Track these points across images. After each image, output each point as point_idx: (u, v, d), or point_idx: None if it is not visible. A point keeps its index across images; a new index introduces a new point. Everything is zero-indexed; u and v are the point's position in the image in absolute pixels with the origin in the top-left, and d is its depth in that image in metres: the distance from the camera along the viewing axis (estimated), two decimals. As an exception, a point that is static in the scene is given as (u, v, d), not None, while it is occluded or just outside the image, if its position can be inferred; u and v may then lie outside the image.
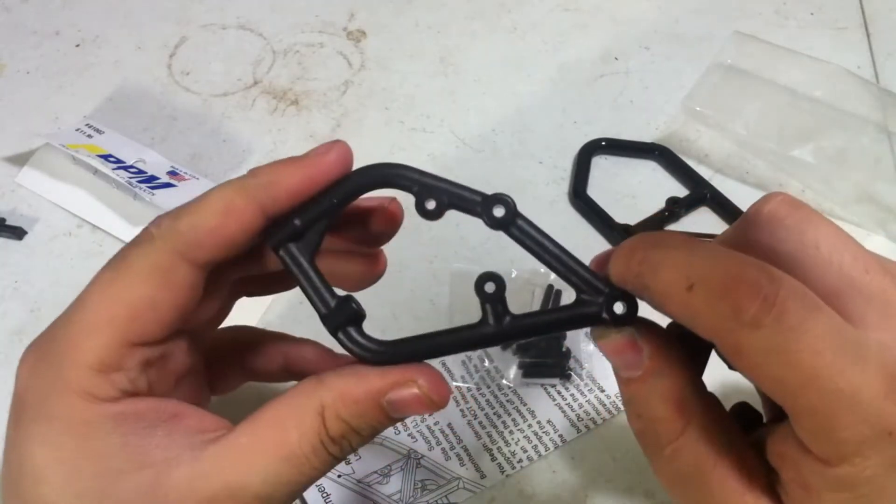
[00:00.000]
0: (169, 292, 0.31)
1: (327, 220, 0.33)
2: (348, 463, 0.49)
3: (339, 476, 0.48)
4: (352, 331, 0.32)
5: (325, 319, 0.32)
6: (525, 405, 0.51)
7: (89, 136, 0.64)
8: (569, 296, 0.56)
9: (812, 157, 0.60)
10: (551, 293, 0.55)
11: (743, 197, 0.62)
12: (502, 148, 0.66)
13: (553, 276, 0.57)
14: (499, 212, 0.31)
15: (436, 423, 0.50)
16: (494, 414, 0.51)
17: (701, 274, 0.27)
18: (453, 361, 0.53)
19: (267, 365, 0.42)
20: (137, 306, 0.31)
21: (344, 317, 0.32)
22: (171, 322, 0.32)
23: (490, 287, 0.32)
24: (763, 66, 0.65)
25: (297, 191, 0.32)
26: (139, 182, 0.60)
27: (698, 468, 0.29)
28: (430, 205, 0.32)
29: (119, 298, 0.31)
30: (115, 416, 0.30)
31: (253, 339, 0.42)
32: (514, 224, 0.32)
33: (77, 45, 0.74)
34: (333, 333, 0.32)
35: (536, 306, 0.55)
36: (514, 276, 0.56)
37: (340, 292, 0.33)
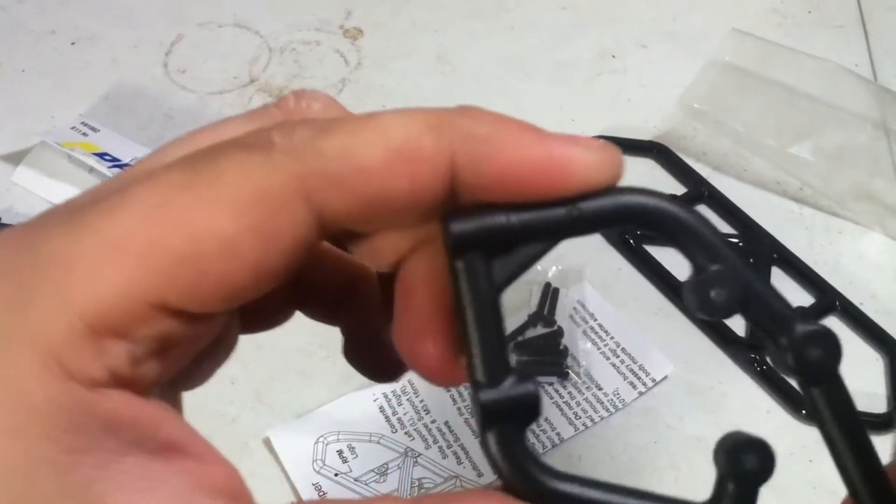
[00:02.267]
0: (266, 241, 0.18)
1: (548, 245, 0.21)
2: (345, 461, 0.49)
3: (336, 475, 0.48)
4: (514, 437, 0.20)
5: (481, 398, 0.20)
6: (523, 403, 0.51)
7: (85, 134, 0.63)
8: (567, 293, 0.56)
9: (810, 155, 0.60)
10: (549, 291, 0.55)
11: (741, 194, 0.62)
12: (500, 146, 0.66)
13: (551, 273, 0.56)
14: (814, 353, 0.21)
15: (433, 422, 0.50)
16: (492, 412, 0.51)
17: None
18: (451, 360, 0.53)
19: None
20: (206, 245, 0.18)
21: (513, 406, 0.20)
22: (245, 289, 0.18)
23: (751, 462, 0.21)
24: (761, 64, 0.65)
25: (526, 173, 0.19)
26: (135, 180, 0.60)
27: None
28: (717, 295, 0.21)
29: (180, 220, 0.18)
30: (96, 419, 0.17)
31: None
32: (829, 380, 0.21)
33: (73, 44, 0.74)
34: (484, 427, 0.20)
35: (534, 305, 0.55)
36: (511, 274, 0.56)
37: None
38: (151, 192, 0.18)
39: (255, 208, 0.18)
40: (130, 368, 0.18)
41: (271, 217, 0.18)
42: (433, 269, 0.21)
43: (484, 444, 0.20)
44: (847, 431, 0.21)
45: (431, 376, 0.22)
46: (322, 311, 0.26)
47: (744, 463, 0.21)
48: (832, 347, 0.21)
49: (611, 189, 0.21)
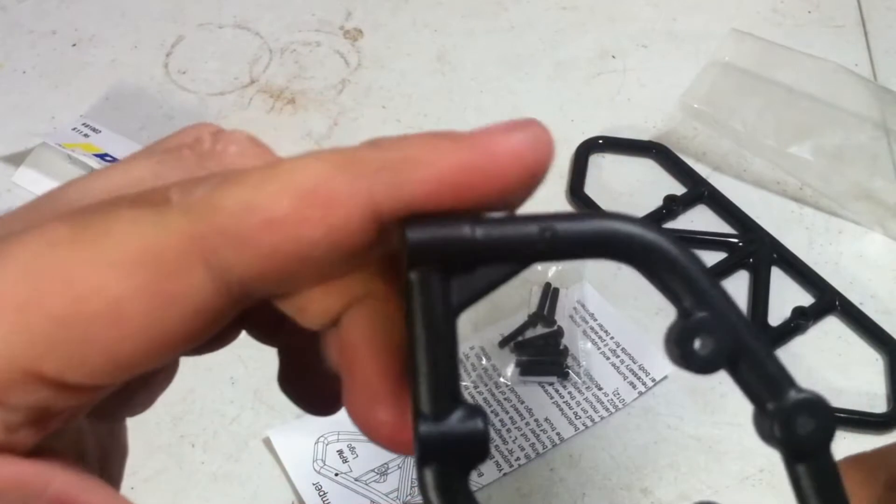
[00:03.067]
0: (160, 307, 0.16)
1: (515, 269, 0.19)
2: (345, 461, 0.49)
3: (336, 474, 0.48)
4: (453, 477, 0.18)
5: (420, 431, 0.18)
6: (522, 403, 0.51)
7: (86, 135, 0.63)
8: (567, 293, 0.56)
9: (810, 155, 0.60)
10: (549, 291, 0.55)
11: (741, 194, 0.62)
12: (500, 146, 0.66)
13: (551, 273, 0.56)
14: (805, 426, 0.18)
15: (433, 422, 0.50)
16: (492, 412, 0.51)
17: None
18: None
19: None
20: (90, 307, 0.16)
21: (456, 443, 0.18)
22: (136, 359, 0.17)
23: (705, 347, 0.19)
24: (761, 64, 0.65)
25: (450, 184, 0.17)
26: (136, 181, 0.60)
27: None
28: (702, 347, 0.18)
29: (62, 279, 0.16)
30: None
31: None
32: (818, 456, 0.19)
33: (73, 45, 0.74)
34: (421, 464, 0.18)
35: (534, 305, 0.55)
36: (511, 274, 0.56)
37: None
38: (32, 246, 0.16)
39: (147, 270, 0.16)
40: (4, 435, 0.16)
41: (165, 280, 0.16)
42: (375, 326, 0.19)
43: (419, 482, 0.18)
44: None
45: (387, 444, 0.19)
46: (262, 332, 0.24)
47: None
48: (826, 420, 0.18)
49: (591, 213, 0.19)
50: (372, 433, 0.19)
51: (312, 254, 0.17)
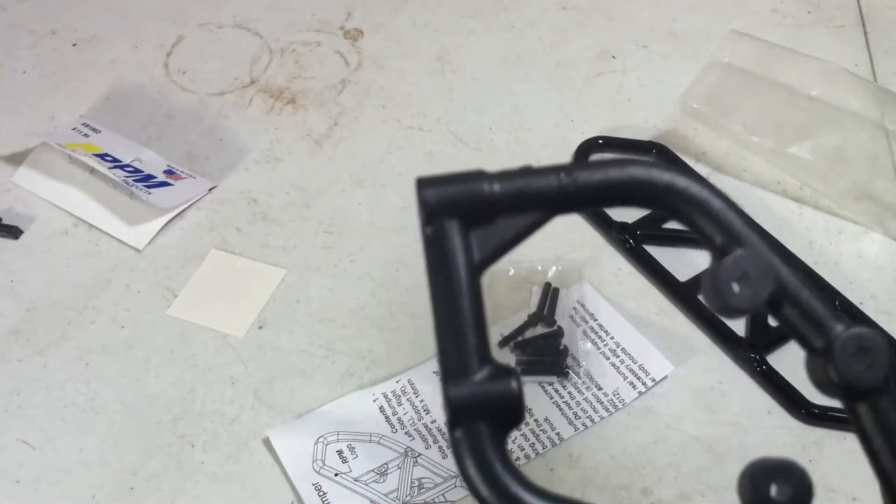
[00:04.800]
0: None
1: (537, 220, 0.18)
2: (345, 461, 0.49)
3: (336, 475, 0.48)
4: (487, 439, 0.17)
5: (449, 391, 0.17)
6: (522, 403, 0.51)
7: (86, 135, 0.64)
8: (567, 293, 0.56)
9: (810, 155, 0.60)
10: (549, 291, 0.55)
11: (740, 194, 0.62)
12: (500, 146, 0.66)
13: (551, 274, 0.57)
14: (860, 363, 0.17)
15: (433, 422, 0.50)
16: (492, 412, 0.51)
17: None
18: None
19: None
20: None
21: (486, 402, 0.17)
22: None
23: (782, 493, 0.17)
24: (760, 65, 0.65)
25: None
26: (136, 181, 0.60)
27: None
28: (741, 287, 0.16)
29: None
30: None
31: None
32: (881, 395, 0.17)
33: (73, 45, 0.74)
34: (453, 424, 0.17)
35: (534, 305, 0.55)
36: (511, 273, 0.56)
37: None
38: None
39: None
40: None
41: None
42: None
43: (452, 447, 0.17)
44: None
45: None
46: None
47: (773, 494, 0.17)
48: (881, 354, 0.17)
49: (612, 160, 0.18)
50: None
51: None
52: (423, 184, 0.17)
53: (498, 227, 0.17)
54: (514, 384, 0.17)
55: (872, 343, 0.17)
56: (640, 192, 0.18)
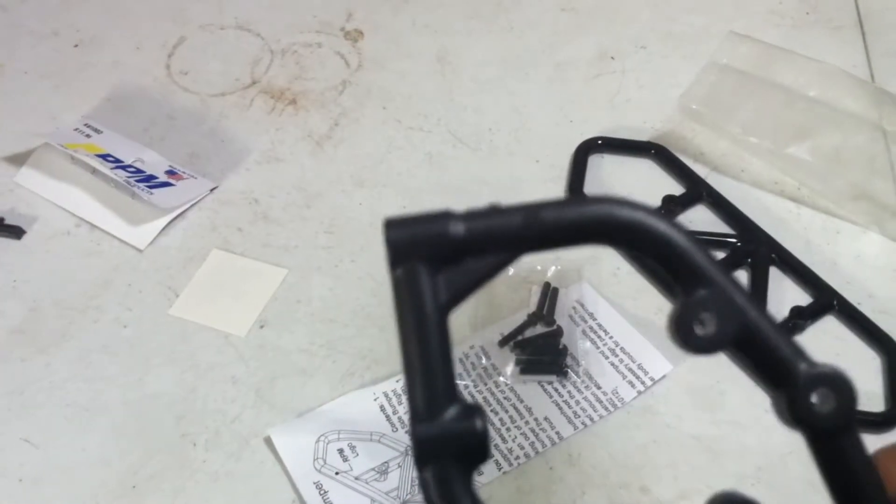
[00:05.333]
0: None
1: (504, 260, 0.18)
2: (346, 460, 0.49)
3: (336, 473, 0.49)
4: (455, 476, 0.17)
5: (416, 431, 0.17)
6: (522, 402, 0.51)
7: (88, 135, 0.64)
8: (566, 293, 0.56)
9: (808, 155, 0.60)
10: (548, 291, 0.56)
11: (739, 195, 0.62)
12: (499, 147, 0.66)
13: (550, 273, 0.57)
14: (825, 404, 0.17)
15: (433, 421, 0.51)
16: (492, 411, 0.51)
17: None
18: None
19: None
20: None
21: (453, 442, 0.17)
22: None
23: None
24: (759, 66, 0.65)
25: None
26: (137, 181, 0.60)
27: None
28: (704, 326, 0.17)
29: None
30: None
31: None
32: (843, 434, 0.17)
33: (75, 46, 0.74)
34: (420, 463, 0.17)
35: (533, 304, 0.55)
36: (510, 273, 0.57)
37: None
38: None
39: None
40: None
41: None
42: None
43: (420, 484, 0.17)
44: (859, 490, 0.17)
45: None
46: None
47: None
48: (845, 395, 0.17)
49: (578, 198, 0.18)
50: None
51: None
52: (390, 225, 0.18)
53: (465, 267, 0.18)
54: (478, 423, 0.17)
55: (837, 383, 0.17)
56: (606, 232, 0.18)
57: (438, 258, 0.18)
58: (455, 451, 0.17)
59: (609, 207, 0.18)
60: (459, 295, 0.18)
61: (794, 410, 0.17)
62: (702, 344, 0.17)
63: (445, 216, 0.18)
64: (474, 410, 0.18)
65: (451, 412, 0.17)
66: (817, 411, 0.17)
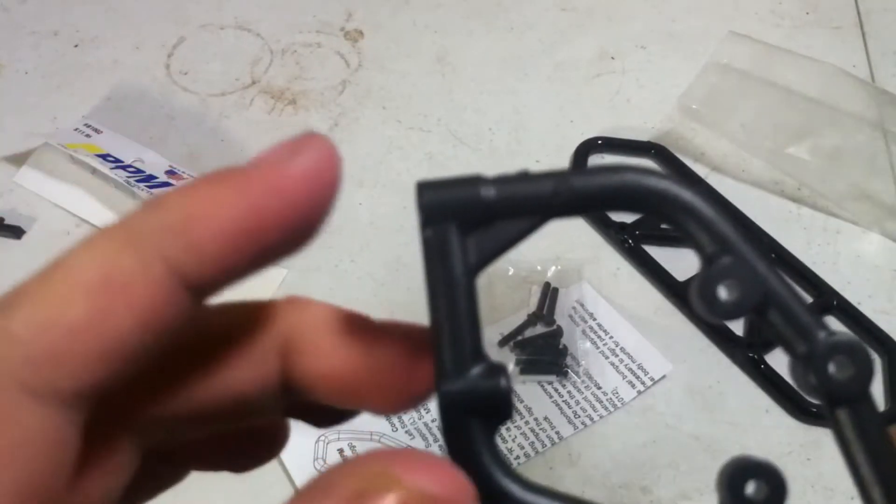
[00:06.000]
0: None
1: (533, 224, 0.18)
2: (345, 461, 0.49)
3: (337, 473, 0.48)
4: (478, 435, 0.17)
5: (441, 387, 0.17)
6: (522, 402, 0.52)
7: (88, 135, 0.64)
8: (566, 293, 0.56)
9: (808, 155, 0.60)
10: (548, 291, 0.56)
11: (739, 195, 0.62)
12: (499, 146, 0.66)
13: (551, 273, 0.57)
14: (841, 369, 0.17)
15: (433, 421, 0.51)
16: (492, 411, 0.51)
17: None
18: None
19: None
20: None
21: (478, 399, 0.17)
22: None
23: (759, 491, 0.18)
24: (759, 66, 0.65)
25: (238, 232, 0.16)
26: (137, 181, 0.60)
27: None
28: (727, 293, 0.17)
29: None
30: None
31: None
32: (858, 400, 0.18)
33: (75, 46, 0.74)
34: (444, 421, 0.18)
35: (534, 304, 0.55)
36: (511, 273, 0.57)
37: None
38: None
39: None
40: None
41: None
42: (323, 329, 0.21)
43: (445, 441, 0.18)
44: (875, 459, 0.18)
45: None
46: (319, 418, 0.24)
47: (748, 492, 0.18)
48: (862, 362, 0.17)
49: (606, 166, 0.18)
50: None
51: (136, 344, 0.16)
52: (423, 188, 0.18)
53: (494, 230, 0.18)
54: (503, 381, 0.18)
55: (855, 350, 0.17)
56: (633, 199, 0.18)
57: (469, 221, 0.18)
58: (479, 409, 0.18)
59: (637, 176, 0.18)
60: (488, 257, 0.18)
61: (811, 376, 0.17)
62: (726, 309, 0.18)
63: (477, 180, 0.18)
64: (499, 369, 0.18)
65: (477, 370, 0.18)
66: (835, 378, 0.17)
